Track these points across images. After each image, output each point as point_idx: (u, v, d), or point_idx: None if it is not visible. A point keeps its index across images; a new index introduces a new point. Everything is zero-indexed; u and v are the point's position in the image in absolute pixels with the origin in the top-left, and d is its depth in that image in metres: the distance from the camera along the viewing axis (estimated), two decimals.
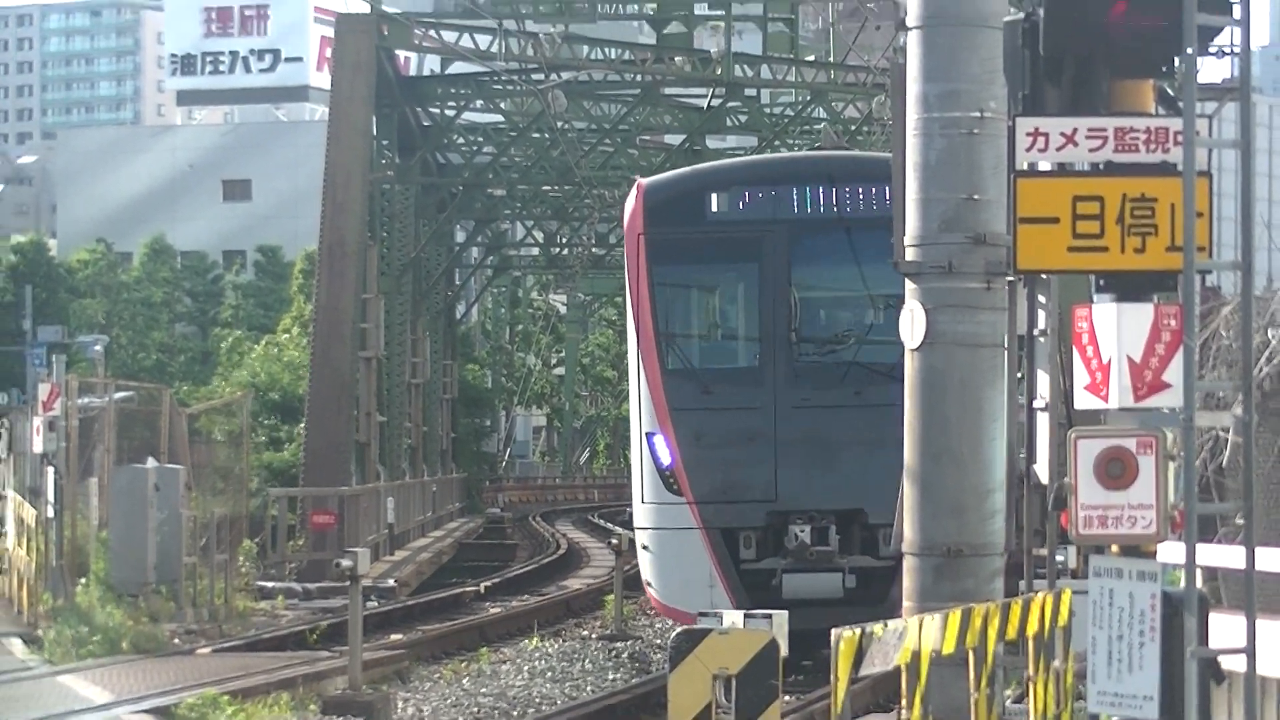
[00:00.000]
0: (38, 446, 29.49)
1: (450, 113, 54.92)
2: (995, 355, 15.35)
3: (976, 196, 15.13)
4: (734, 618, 11.63)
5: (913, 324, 15.41)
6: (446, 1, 60.07)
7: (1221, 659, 10.44)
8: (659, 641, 28.25)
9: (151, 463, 29.66)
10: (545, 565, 45.85)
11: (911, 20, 15.35)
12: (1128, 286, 10.98)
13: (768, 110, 53.91)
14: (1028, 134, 11.02)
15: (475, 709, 22.56)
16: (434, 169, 57.37)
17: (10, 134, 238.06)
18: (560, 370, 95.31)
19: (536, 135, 55.62)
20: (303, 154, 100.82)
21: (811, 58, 53.05)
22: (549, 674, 25.47)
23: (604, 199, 57.01)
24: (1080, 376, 10.94)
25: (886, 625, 10.14)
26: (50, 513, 28.46)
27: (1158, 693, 10.27)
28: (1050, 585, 13.29)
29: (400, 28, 47.01)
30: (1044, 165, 11.21)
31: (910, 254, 15.43)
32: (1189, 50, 10.30)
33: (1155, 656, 10.27)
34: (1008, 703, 12.57)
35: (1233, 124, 10.83)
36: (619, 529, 49.65)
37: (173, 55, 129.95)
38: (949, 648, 10.70)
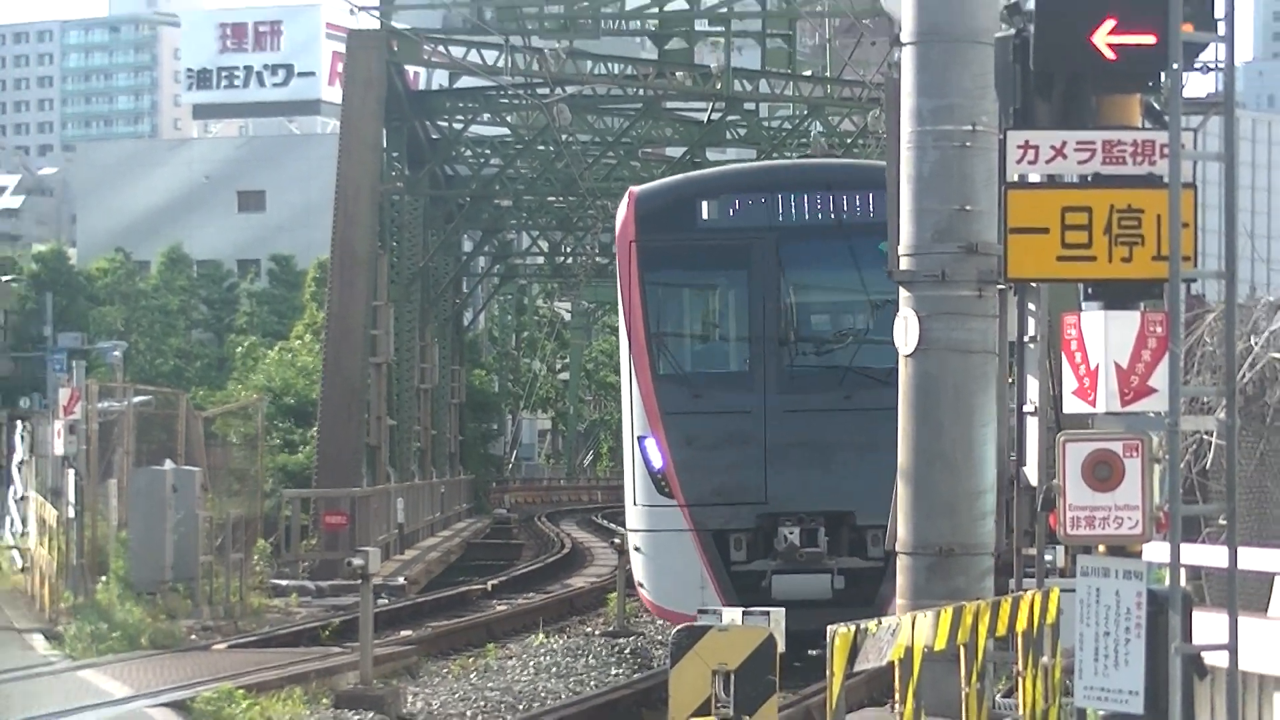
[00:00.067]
0: (59, 449, 29.51)
1: (458, 126, 54.96)
2: (987, 361, 15.36)
3: (969, 207, 15.15)
4: (733, 615, 11.63)
5: (906, 331, 15.41)
6: (455, 18, 60.03)
7: (1205, 655, 10.45)
8: (660, 638, 28.23)
9: (169, 465, 29.68)
10: (550, 564, 45.86)
11: (906, 36, 15.36)
12: (1115, 295, 10.99)
13: (766, 124, 53.90)
14: (1018, 147, 11.03)
15: (482, 703, 22.56)
16: (442, 181, 57.36)
17: (31, 146, 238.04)
18: (565, 375, 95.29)
19: (542, 148, 55.62)
20: (315, 166, 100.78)
21: (809, 72, 53.05)
22: (554, 669, 25.46)
23: (607, 209, 56.88)
24: (1069, 382, 10.95)
25: (880, 622, 10.15)
26: (71, 513, 28.48)
27: (1143, 688, 10.28)
28: (1039, 584, 13.31)
29: (409, 44, 47.03)
30: (1034, 177, 11.21)
31: (904, 263, 15.44)
32: (1175, 66, 10.31)
33: (1141, 652, 10.28)
34: (998, 697, 12.59)
35: (1217, 137, 10.84)
36: (621, 529, 49.63)
37: (189, 70, 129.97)
38: (941, 644, 10.71)
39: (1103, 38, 10.91)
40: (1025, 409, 14.39)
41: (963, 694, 11.26)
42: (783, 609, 12.03)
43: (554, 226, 67.33)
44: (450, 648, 28.19)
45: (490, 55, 47.23)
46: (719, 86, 47.94)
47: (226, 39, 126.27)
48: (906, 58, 15.35)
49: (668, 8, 49.85)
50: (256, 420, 38.91)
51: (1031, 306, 14.55)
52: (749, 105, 51.52)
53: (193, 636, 27.01)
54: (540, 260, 75.26)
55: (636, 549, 24.19)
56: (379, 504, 44.29)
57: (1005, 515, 14.97)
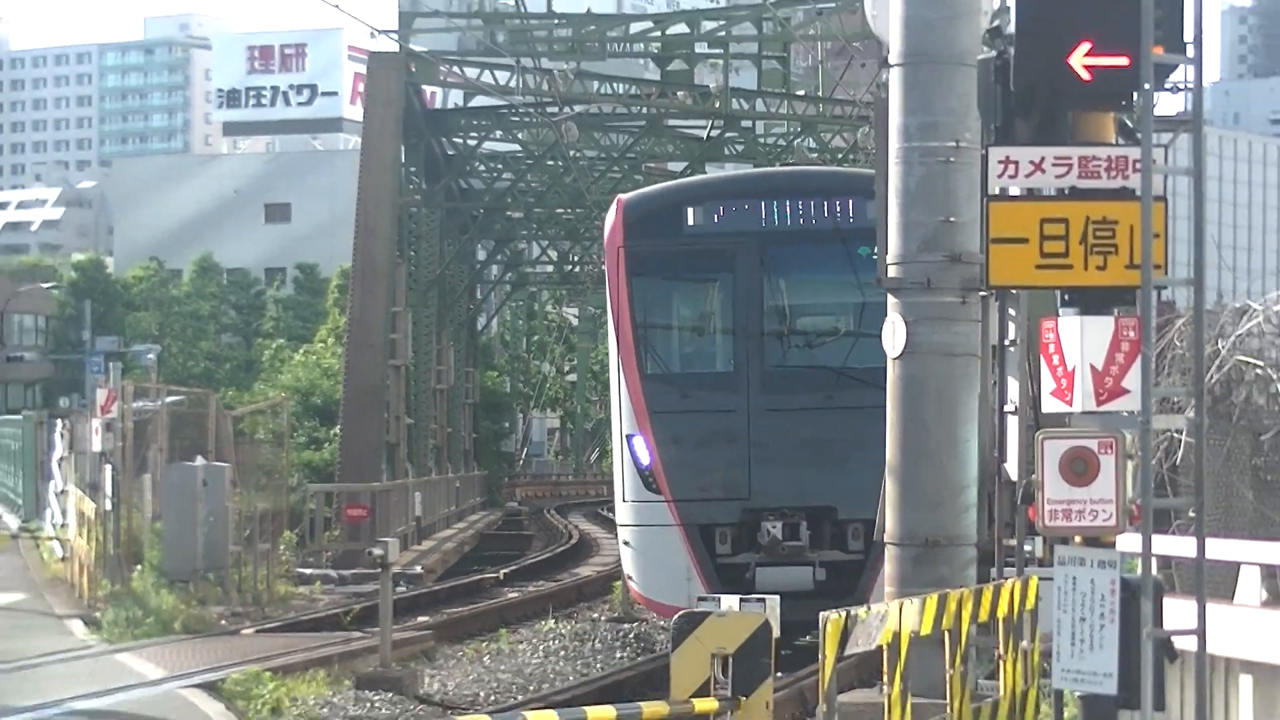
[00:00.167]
0: (96, 446, 29.52)
1: (472, 142, 54.97)
2: (970, 363, 15.34)
3: (953, 219, 15.14)
4: (731, 602, 11.62)
5: (894, 335, 15.41)
6: (469, 41, 60.05)
7: (1175, 639, 10.45)
8: (662, 623, 28.19)
9: (200, 461, 29.67)
10: (559, 554, 45.82)
11: (893, 59, 15.36)
12: (1090, 301, 10.99)
13: (762, 140, 53.89)
14: (999, 162, 11.03)
15: (495, 684, 22.54)
16: (457, 194, 57.36)
17: (71, 161, 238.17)
18: (572, 377, 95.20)
19: (551, 163, 55.63)
20: (337, 180, 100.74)
21: (802, 92, 53.10)
22: (562, 653, 25.44)
23: None
24: (1047, 383, 10.95)
25: (870, 609, 10.16)
26: (108, 506, 28.48)
27: (1116, 670, 10.29)
28: (1019, 573, 13.30)
29: (426, 65, 47.04)
30: (1014, 190, 11.21)
31: (892, 271, 15.43)
32: (1146, 86, 10.32)
33: (1114, 637, 10.29)
34: (980, 679, 12.58)
35: (1186, 153, 10.84)
36: None
37: (219, 90, 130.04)
38: (927, 629, 10.71)
39: (1079, 60, 10.92)
40: (1006, 408, 14.38)
41: (947, 676, 11.26)
42: (777, 597, 12.01)
43: (562, 237, 67.31)
44: (465, 632, 28.16)
45: (502, 76, 47.24)
46: (718, 105, 47.96)
47: (255, 61, 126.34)
48: (894, 79, 15.34)
49: (669, 31, 49.91)
50: (283, 418, 38.95)
51: (1012, 312, 14.53)
52: (746, 123, 51.52)
53: (222, 622, 27.01)
54: (549, 268, 75.23)
55: (626, 543, 23.93)
56: (398, 498, 44.28)
57: (987, 508, 14.97)
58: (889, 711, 10.36)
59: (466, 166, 56.61)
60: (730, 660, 11.04)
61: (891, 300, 15.53)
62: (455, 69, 48.00)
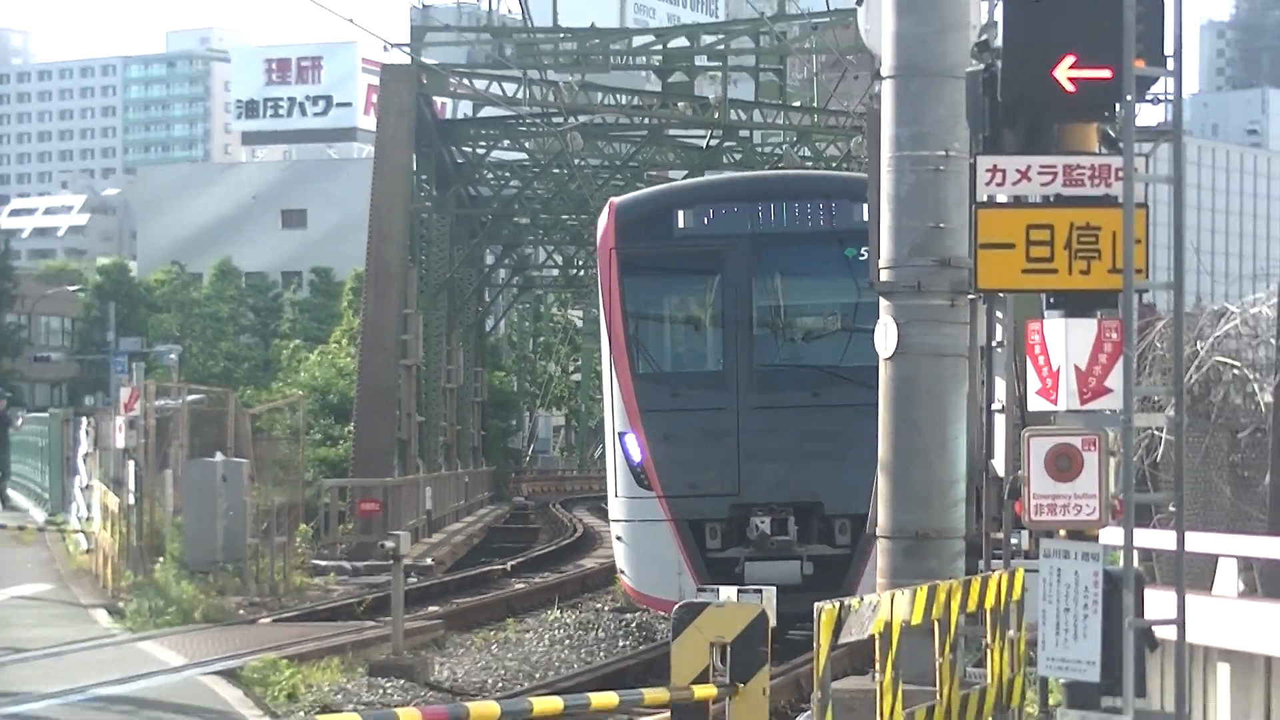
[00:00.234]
0: (120, 442, 29.52)
1: (481, 151, 54.96)
2: (958, 364, 15.33)
3: (942, 225, 15.12)
4: (729, 593, 11.62)
5: (886, 336, 15.39)
6: (478, 54, 60.08)
7: (1155, 629, 10.45)
8: (662, 614, 28.20)
9: (219, 457, 29.68)
10: (564, 547, 45.83)
11: (885, 71, 15.35)
12: (1074, 304, 10.98)
13: (759, 149, 53.89)
14: (987, 170, 11.03)
15: (502, 671, 22.54)
16: (466, 201, 57.36)
17: (96, 170, 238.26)
18: (577, 376, 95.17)
19: (556, 171, 55.62)
20: (351, 187, 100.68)
21: (798, 103, 53.10)
22: (567, 641, 25.44)
23: None
24: (1033, 382, 10.95)
25: (863, 600, 10.16)
26: (131, 500, 28.49)
27: (1099, 658, 10.29)
28: (1005, 565, 13.30)
29: (437, 77, 47.04)
30: (1001, 198, 11.21)
31: (884, 275, 15.41)
32: (1128, 98, 10.33)
33: (1097, 627, 10.29)
34: (968, 667, 12.57)
35: (1166, 162, 10.84)
36: None
37: (238, 101, 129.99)
38: (917, 619, 10.71)
39: (1063, 72, 10.91)
40: (994, 407, 14.37)
41: (937, 664, 11.26)
42: (774, 588, 11.99)
43: (567, 242, 67.27)
44: (474, 622, 28.17)
45: (510, 87, 47.25)
46: (717, 116, 47.96)
47: (272, 73, 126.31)
48: (886, 90, 15.33)
49: (670, 45, 49.96)
50: (299, 416, 38.93)
51: (999, 314, 14.53)
52: (744, 133, 51.53)
53: (241, 612, 27.01)
54: (555, 272, 75.23)
55: (619, 538, 23.73)
56: (409, 492, 44.28)
57: (975, 503, 14.95)
58: (881, 698, 10.36)
59: (475, 174, 56.59)
60: (729, 649, 11.03)
61: (883, 303, 15.51)
62: (465, 81, 48.00)
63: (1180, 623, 10.27)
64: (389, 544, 21.32)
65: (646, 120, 50.83)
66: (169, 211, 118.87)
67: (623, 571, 23.87)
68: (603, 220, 24.18)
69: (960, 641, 11.56)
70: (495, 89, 47.60)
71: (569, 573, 37.56)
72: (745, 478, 22.95)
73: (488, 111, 52.72)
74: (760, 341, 23.60)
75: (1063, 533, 10.63)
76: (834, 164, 49.29)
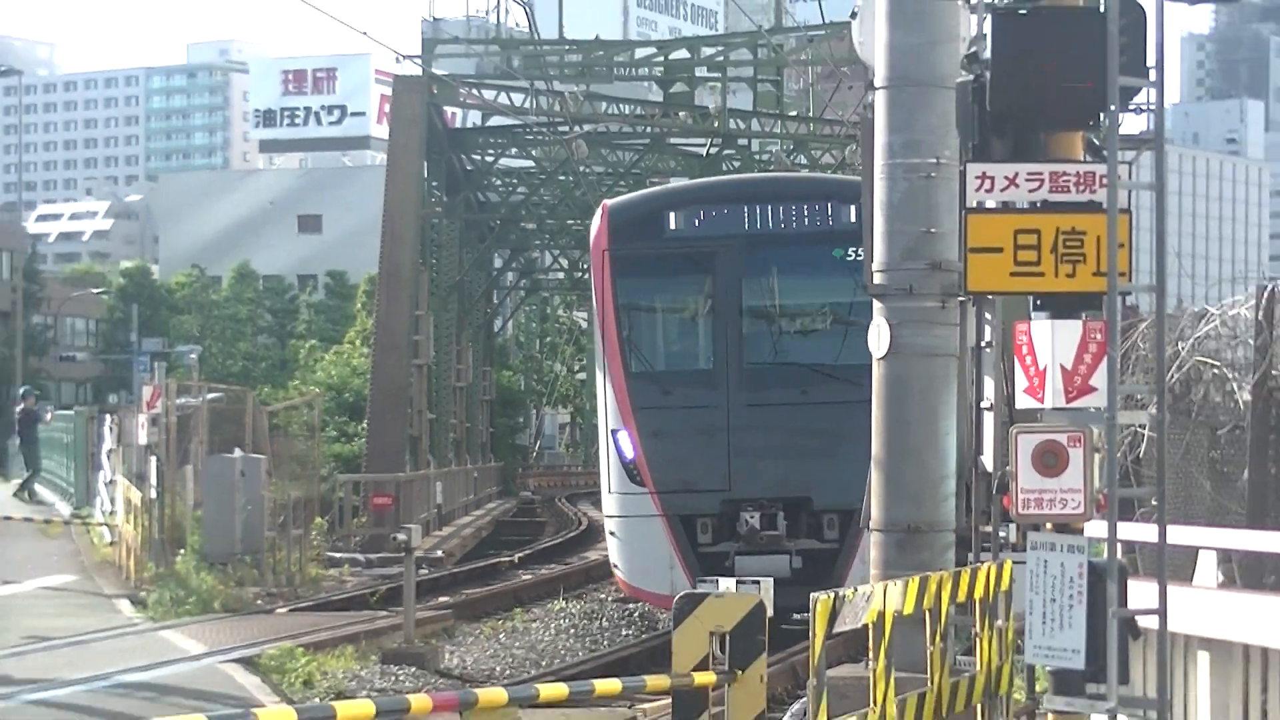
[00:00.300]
0: (142, 439, 29.54)
1: (489, 159, 54.96)
2: (949, 364, 15.34)
3: (933, 230, 15.13)
4: (728, 584, 11.62)
5: (879, 337, 15.39)
6: (487, 65, 60.04)
7: (1138, 618, 10.45)
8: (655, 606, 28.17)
9: (238, 453, 29.68)
10: (569, 539, 45.84)
11: (879, 81, 15.36)
12: (1060, 306, 10.98)
13: (757, 157, 53.90)
14: (977, 177, 11.03)
15: (510, 659, 22.56)
16: (475, 206, 57.37)
17: (120, 177, 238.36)
18: (582, 375, 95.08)
19: (562, 178, 55.61)
20: (365, 194, 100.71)
21: (794, 112, 53.07)
22: (572, 631, 25.44)
23: None
24: (1020, 381, 10.95)
25: (857, 590, 10.16)
26: (153, 495, 28.49)
27: (1084, 646, 10.29)
28: (994, 557, 13.29)
29: (447, 87, 47.06)
30: (990, 203, 11.20)
31: (877, 278, 15.42)
32: (1112, 107, 10.33)
33: (1082, 616, 10.29)
34: (958, 655, 12.57)
35: (1149, 170, 10.84)
36: None
37: (256, 110, 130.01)
38: (909, 609, 10.70)
39: (1050, 83, 10.91)
40: (983, 405, 14.36)
41: (928, 652, 11.26)
42: (770, 579, 12.00)
43: (572, 246, 67.25)
44: (482, 612, 28.19)
45: (517, 97, 47.25)
46: (716, 125, 47.98)
47: (289, 84, 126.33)
48: (879, 100, 15.33)
49: (672, 56, 49.95)
50: (315, 414, 38.93)
51: (988, 316, 14.52)
52: (742, 141, 51.51)
53: (258, 602, 27.02)
54: (560, 275, 75.23)
55: (612, 533, 23.53)
56: (420, 487, 44.29)
57: (965, 497, 14.95)
58: (874, 685, 10.36)
59: (484, 181, 56.60)
60: (728, 637, 11.02)
61: (876, 305, 15.52)
62: (474, 91, 48.01)
63: (1162, 612, 10.27)
64: (401, 537, 21.33)
65: (649, 129, 50.83)
66: (189, 217, 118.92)
67: (616, 566, 23.66)
68: (596, 222, 24.01)
69: (950, 631, 11.55)
70: (503, 99, 47.60)
71: (574, 564, 37.57)
72: (735, 474, 22.77)
73: (496, 120, 52.78)
74: (750, 340, 23.43)
75: (1049, 526, 10.63)
76: (829, 171, 49.23)
